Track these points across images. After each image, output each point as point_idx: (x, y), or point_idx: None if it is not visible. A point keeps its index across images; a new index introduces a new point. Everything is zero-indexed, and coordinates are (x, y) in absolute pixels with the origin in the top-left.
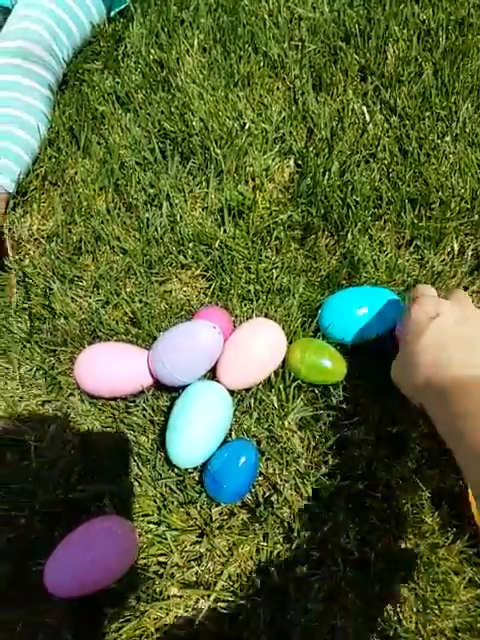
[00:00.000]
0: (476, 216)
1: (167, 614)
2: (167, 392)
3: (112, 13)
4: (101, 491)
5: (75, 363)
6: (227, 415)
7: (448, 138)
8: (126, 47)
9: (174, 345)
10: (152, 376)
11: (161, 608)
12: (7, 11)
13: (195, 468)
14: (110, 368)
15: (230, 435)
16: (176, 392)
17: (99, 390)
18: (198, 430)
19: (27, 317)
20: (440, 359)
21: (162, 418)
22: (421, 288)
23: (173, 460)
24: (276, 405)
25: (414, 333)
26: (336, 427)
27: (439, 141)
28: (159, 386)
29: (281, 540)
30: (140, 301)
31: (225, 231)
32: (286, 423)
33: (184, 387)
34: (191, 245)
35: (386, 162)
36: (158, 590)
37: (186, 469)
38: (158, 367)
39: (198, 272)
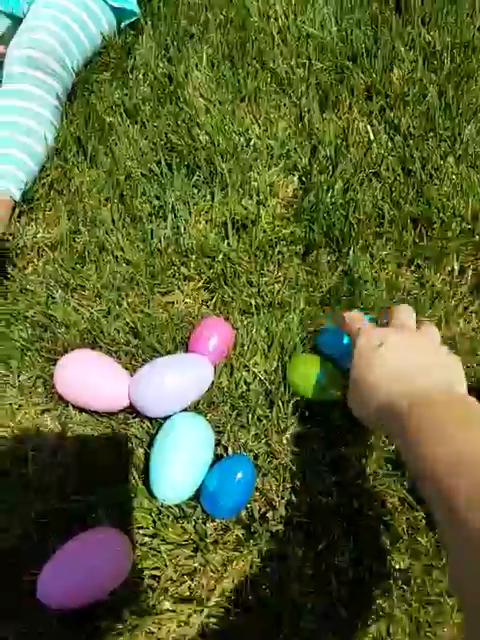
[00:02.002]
0: (477, 237)
1: (159, 628)
2: None
3: (122, 25)
4: (97, 502)
5: (57, 364)
6: (210, 449)
7: (451, 159)
8: (135, 59)
9: (159, 380)
10: (130, 401)
11: (154, 622)
12: (18, 20)
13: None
14: (86, 379)
15: (226, 451)
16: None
17: (70, 398)
18: (182, 469)
19: (28, 325)
20: (390, 387)
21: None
22: (352, 320)
23: (158, 497)
24: (274, 420)
25: (361, 364)
26: (333, 444)
27: (442, 162)
28: (134, 410)
29: (275, 557)
30: (142, 312)
31: (228, 244)
32: (284, 439)
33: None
34: (194, 257)
35: (389, 181)
36: (151, 604)
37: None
38: (138, 399)
39: (200, 284)
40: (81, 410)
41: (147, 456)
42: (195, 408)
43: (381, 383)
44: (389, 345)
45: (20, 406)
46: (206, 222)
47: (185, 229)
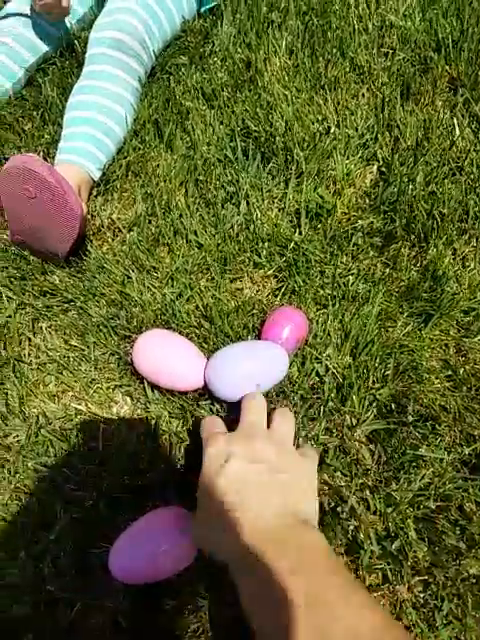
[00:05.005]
0: None
1: (221, 614)
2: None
3: (202, 9)
4: (167, 480)
5: (136, 341)
6: None
7: None
8: (214, 44)
9: (235, 365)
10: (205, 383)
11: (216, 607)
12: (101, 2)
13: None
14: (166, 359)
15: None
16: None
17: (148, 374)
18: None
19: (105, 302)
20: (234, 516)
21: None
22: (208, 424)
23: None
24: (347, 415)
25: (207, 485)
26: (410, 444)
27: None
28: (205, 391)
29: (343, 551)
30: (212, 297)
31: (300, 233)
32: (356, 434)
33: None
34: (266, 245)
35: (473, 177)
36: (214, 588)
37: None
38: (214, 381)
39: (270, 272)
40: (154, 388)
41: None
42: (266, 396)
43: (223, 517)
44: (232, 465)
45: (94, 380)
46: (279, 210)
47: (257, 216)
